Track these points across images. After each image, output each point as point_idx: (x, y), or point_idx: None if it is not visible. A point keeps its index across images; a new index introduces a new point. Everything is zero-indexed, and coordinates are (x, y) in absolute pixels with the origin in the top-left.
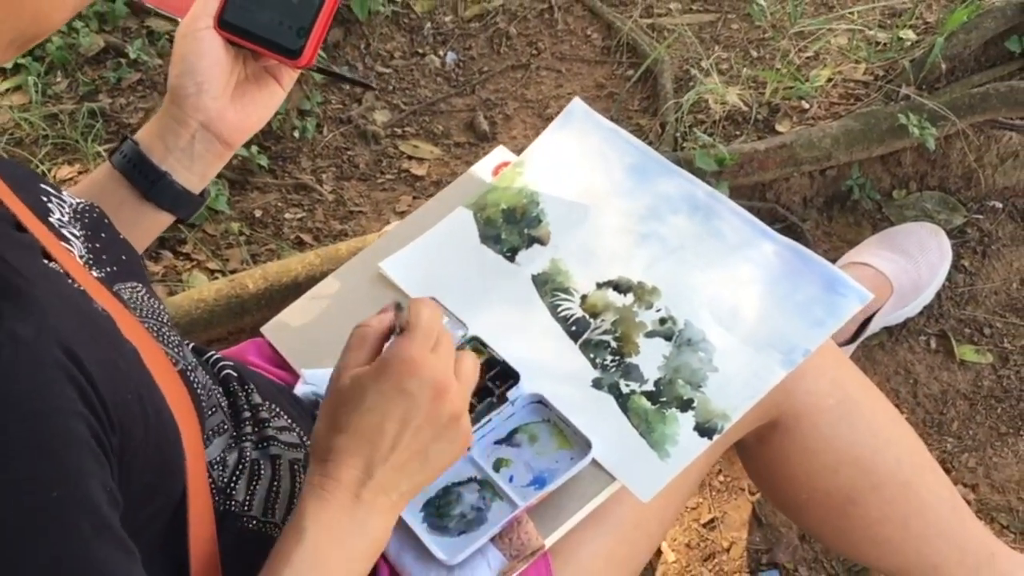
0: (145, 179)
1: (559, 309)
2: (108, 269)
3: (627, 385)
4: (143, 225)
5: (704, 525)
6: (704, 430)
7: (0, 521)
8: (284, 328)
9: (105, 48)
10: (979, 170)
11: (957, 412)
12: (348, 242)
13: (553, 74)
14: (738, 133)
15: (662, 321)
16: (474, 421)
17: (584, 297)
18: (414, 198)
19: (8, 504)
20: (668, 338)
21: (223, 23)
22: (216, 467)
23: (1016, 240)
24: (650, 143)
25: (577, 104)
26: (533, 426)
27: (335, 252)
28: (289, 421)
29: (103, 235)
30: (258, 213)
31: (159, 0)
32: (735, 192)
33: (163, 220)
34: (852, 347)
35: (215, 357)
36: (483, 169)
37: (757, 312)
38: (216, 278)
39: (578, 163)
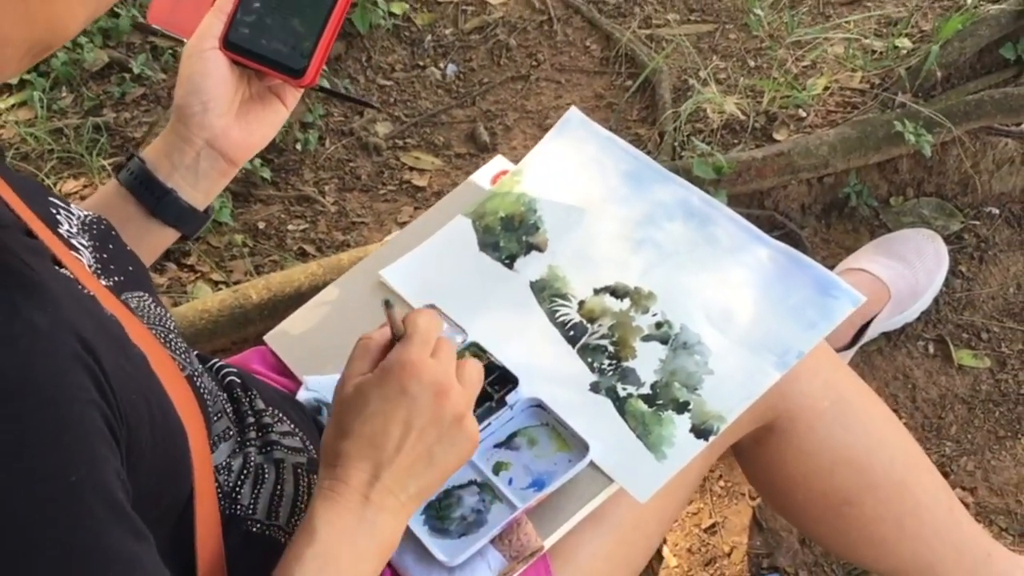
0: (151, 196)
1: (557, 314)
2: (116, 278)
3: (624, 388)
4: (149, 240)
5: (705, 530)
6: (700, 431)
7: (17, 506)
8: (286, 336)
9: (109, 63)
10: (975, 176)
11: (956, 416)
12: (350, 252)
13: (553, 85)
14: (736, 142)
15: (658, 325)
16: None
17: (582, 303)
18: (415, 209)
19: (25, 490)
20: (664, 342)
21: (228, 44)
22: (222, 472)
23: (1013, 245)
24: (649, 152)
25: (574, 113)
26: (532, 430)
27: (337, 262)
28: (292, 426)
29: (111, 246)
30: (261, 225)
31: (165, 21)
32: (734, 200)
33: (169, 236)
34: (851, 352)
35: (219, 364)
36: (482, 178)
37: (751, 315)
38: (220, 289)
39: (575, 171)
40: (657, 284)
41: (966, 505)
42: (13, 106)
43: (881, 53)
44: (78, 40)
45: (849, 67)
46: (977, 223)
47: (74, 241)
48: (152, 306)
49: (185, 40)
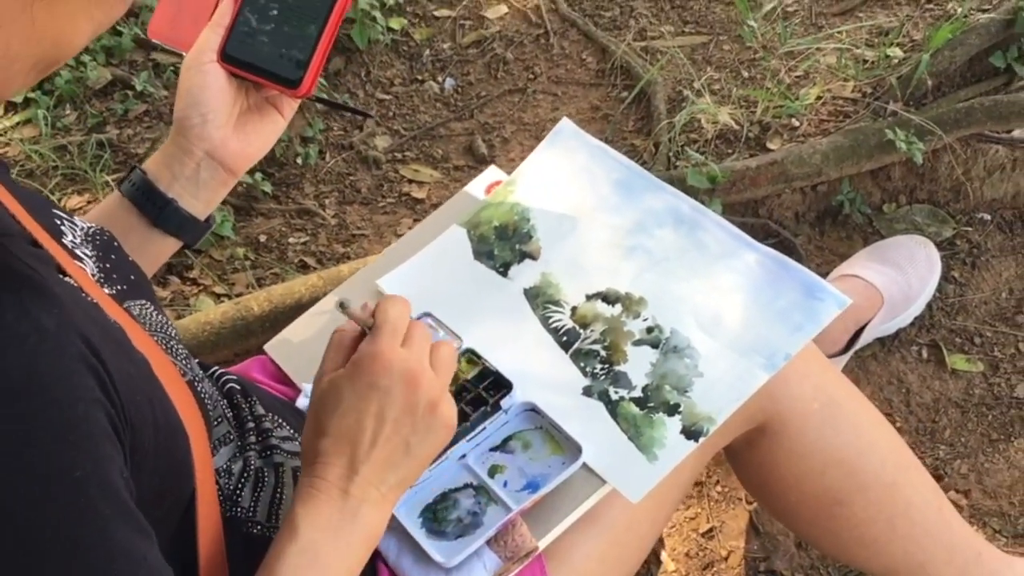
0: (153, 206)
1: (550, 321)
2: (118, 287)
3: (616, 392)
4: (151, 250)
5: (703, 534)
6: (691, 433)
7: (23, 502)
8: (286, 345)
9: (112, 81)
10: (967, 183)
11: (949, 420)
12: (350, 264)
13: (549, 97)
14: (730, 151)
15: (649, 330)
16: (469, 429)
17: (574, 309)
18: (414, 220)
19: (31, 486)
20: (655, 346)
21: (226, 56)
22: (223, 475)
23: (1005, 251)
24: (644, 163)
25: (565, 123)
26: (526, 433)
27: (337, 273)
28: (291, 431)
29: (113, 256)
30: (263, 238)
31: (165, 36)
32: (728, 209)
33: (170, 245)
34: (845, 358)
35: (219, 372)
36: (476, 188)
37: (740, 319)
38: (222, 302)
39: (567, 180)
40: (648, 290)
41: (960, 508)
42: (18, 124)
43: (873, 62)
44: (81, 58)
45: (841, 77)
46: (969, 229)
47: (78, 251)
48: (154, 314)
49: (184, 54)
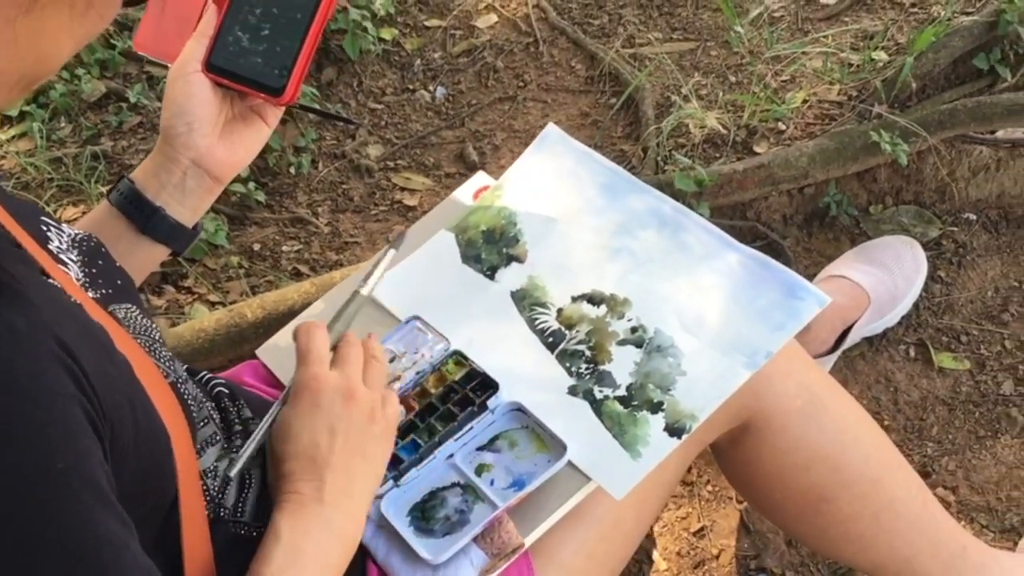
0: (141, 214)
1: (536, 322)
2: (103, 291)
3: (601, 391)
4: (141, 256)
5: (694, 534)
6: (674, 430)
7: (7, 497)
8: (277, 349)
9: (107, 94)
10: (952, 184)
11: (937, 418)
12: (342, 271)
13: (539, 105)
14: (717, 155)
15: (633, 330)
16: (457, 429)
17: (560, 310)
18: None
19: (13, 480)
20: (639, 345)
21: (211, 66)
22: (209, 476)
23: (990, 250)
24: (633, 168)
25: (551, 129)
26: (512, 432)
27: (330, 280)
28: None
29: (100, 262)
30: (256, 247)
31: (151, 47)
32: (716, 212)
33: (159, 252)
34: (833, 357)
35: (207, 376)
36: (464, 193)
37: (722, 318)
38: (217, 310)
39: (553, 184)
40: (632, 291)
41: (948, 504)
42: (14, 137)
43: (858, 66)
44: (76, 72)
45: (827, 80)
46: (955, 229)
47: (63, 256)
48: (138, 317)
49: (170, 65)
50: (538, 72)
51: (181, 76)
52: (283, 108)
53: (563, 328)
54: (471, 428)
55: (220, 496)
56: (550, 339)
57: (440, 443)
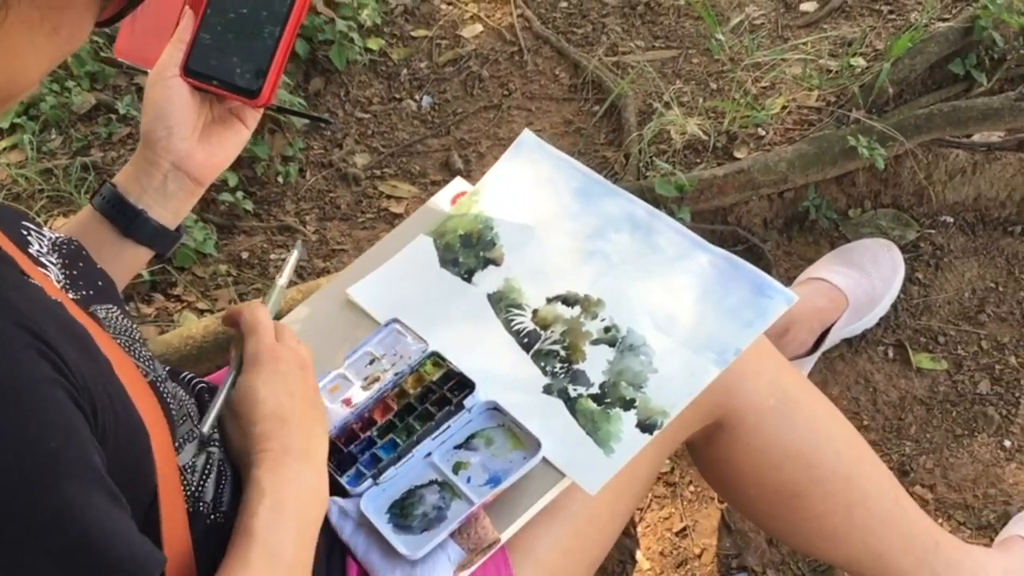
0: (123, 217)
1: (512, 323)
2: (84, 292)
3: (575, 389)
4: (124, 259)
5: (676, 533)
6: (645, 426)
7: (5, 480)
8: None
9: (96, 105)
10: (929, 187)
11: (915, 417)
12: (328, 277)
13: (524, 113)
14: (698, 161)
15: (606, 330)
16: (435, 428)
17: (535, 311)
18: None
19: (10, 464)
20: (612, 344)
21: (189, 71)
22: (187, 471)
23: (967, 252)
24: (615, 174)
25: (527, 135)
26: (489, 431)
27: (315, 286)
28: None
29: (80, 264)
30: (245, 255)
31: (131, 55)
32: (697, 216)
33: (142, 255)
34: (812, 359)
35: (190, 376)
36: (442, 199)
37: (692, 317)
38: (205, 317)
39: (529, 190)
40: (605, 292)
41: (925, 502)
42: (4, 149)
43: (836, 72)
44: (66, 84)
45: (806, 86)
46: (933, 232)
47: (43, 259)
48: (119, 317)
49: (148, 70)
50: (522, 81)
51: (160, 81)
52: (261, 110)
53: (538, 329)
54: (448, 427)
55: (199, 491)
56: (525, 340)
57: (418, 442)
